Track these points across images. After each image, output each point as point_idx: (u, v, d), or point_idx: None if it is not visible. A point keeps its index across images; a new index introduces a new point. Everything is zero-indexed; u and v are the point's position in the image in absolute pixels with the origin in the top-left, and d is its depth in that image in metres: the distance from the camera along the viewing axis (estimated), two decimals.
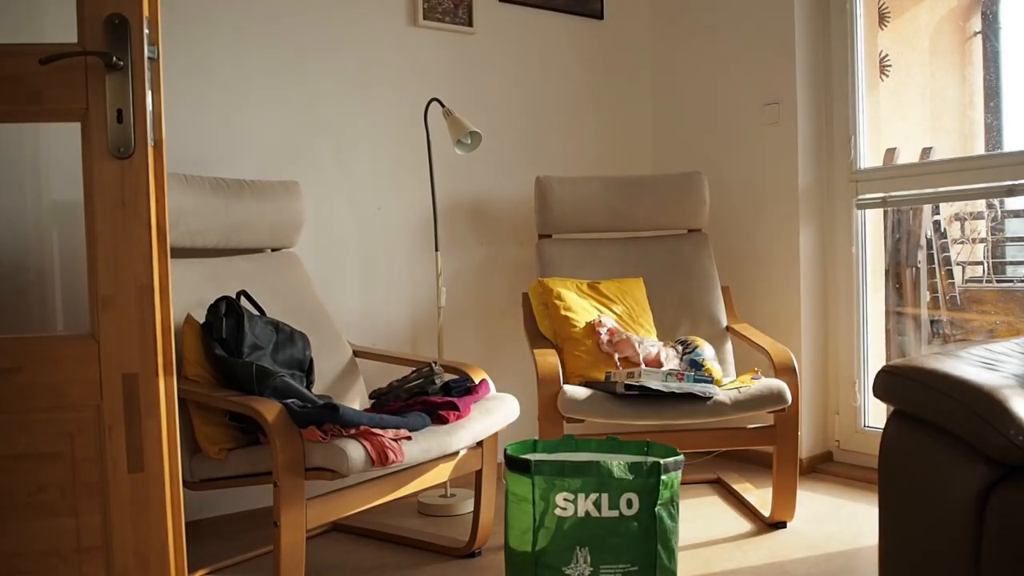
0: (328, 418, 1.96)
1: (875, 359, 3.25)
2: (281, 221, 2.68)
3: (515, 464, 1.96)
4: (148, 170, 1.40)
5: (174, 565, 1.44)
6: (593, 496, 1.89)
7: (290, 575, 1.91)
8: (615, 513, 1.89)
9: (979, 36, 3.59)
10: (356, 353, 2.73)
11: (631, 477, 1.90)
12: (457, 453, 2.30)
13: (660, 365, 2.66)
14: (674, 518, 1.95)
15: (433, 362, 2.46)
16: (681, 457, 1.99)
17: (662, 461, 1.92)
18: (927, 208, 3.58)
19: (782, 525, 2.65)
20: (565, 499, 1.89)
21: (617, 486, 1.89)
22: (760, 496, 2.92)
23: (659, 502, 1.90)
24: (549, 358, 2.60)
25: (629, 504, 1.89)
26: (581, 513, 1.89)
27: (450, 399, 2.25)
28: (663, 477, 1.91)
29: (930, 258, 3.63)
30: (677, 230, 3.29)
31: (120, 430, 1.40)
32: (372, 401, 2.47)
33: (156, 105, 1.42)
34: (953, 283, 3.67)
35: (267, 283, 2.63)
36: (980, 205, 3.69)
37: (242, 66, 2.80)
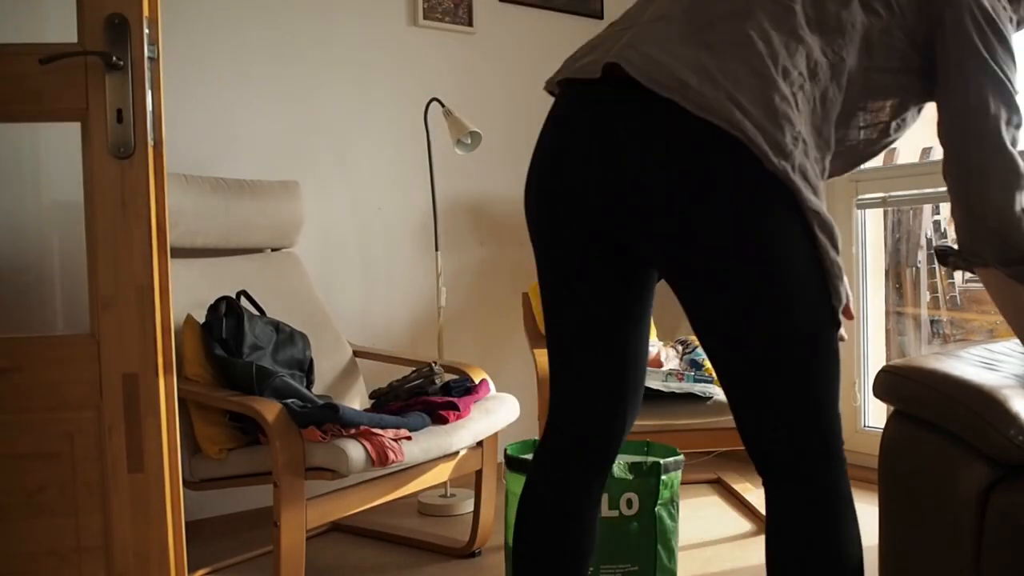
0: (328, 418, 1.96)
1: (875, 359, 3.25)
2: (281, 221, 2.68)
3: (515, 464, 1.96)
4: (148, 170, 1.40)
5: (174, 565, 1.44)
6: None
7: (290, 575, 1.91)
8: (615, 513, 1.89)
9: None
10: (356, 353, 2.73)
11: (631, 477, 1.90)
12: (457, 453, 2.30)
13: (660, 365, 2.66)
14: (674, 518, 1.94)
15: (433, 362, 2.46)
16: (681, 457, 1.99)
17: (662, 461, 1.92)
18: (927, 208, 3.58)
19: None
20: None
21: (617, 486, 1.89)
22: (760, 496, 2.91)
23: (659, 502, 1.90)
24: None
25: (629, 504, 1.89)
26: None
27: (450, 399, 2.25)
28: (663, 477, 1.91)
29: (930, 258, 3.62)
30: None
31: (120, 430, 1.40)
32: (372, 401, 2.47)
33: (156, 105, 1.42)
34: (953, 283, 3.66)
35: (267, 283, 2.63)
36: None
37: (242, 66, 2.80)
